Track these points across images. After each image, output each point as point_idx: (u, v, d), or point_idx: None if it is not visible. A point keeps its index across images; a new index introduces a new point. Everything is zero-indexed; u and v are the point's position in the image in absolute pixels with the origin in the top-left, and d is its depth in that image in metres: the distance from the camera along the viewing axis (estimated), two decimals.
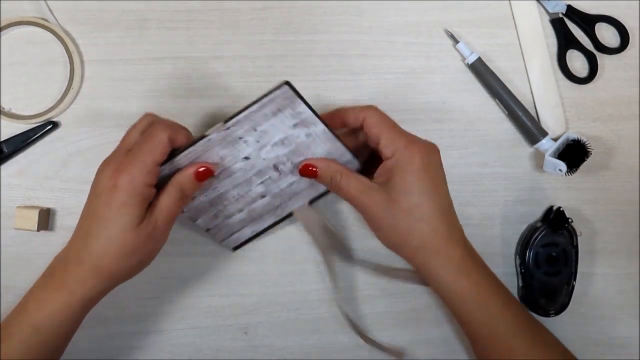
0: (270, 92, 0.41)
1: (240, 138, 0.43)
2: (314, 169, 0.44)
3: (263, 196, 0.46)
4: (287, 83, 0.40)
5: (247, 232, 0.48)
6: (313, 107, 0.42)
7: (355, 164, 0.46)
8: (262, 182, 0.46)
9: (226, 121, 0.41)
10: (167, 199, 0.40)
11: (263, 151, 0.44)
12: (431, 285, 0.45)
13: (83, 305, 0.40)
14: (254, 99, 0.41)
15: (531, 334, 0.44)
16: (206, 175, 0.42)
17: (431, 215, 0.42)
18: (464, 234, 0.45)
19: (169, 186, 0.41)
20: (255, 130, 0.42)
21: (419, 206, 0.42)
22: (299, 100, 0.41)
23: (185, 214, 0.45)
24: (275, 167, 0.45)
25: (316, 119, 0.43)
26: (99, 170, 0.40)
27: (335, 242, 0.49)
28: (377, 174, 0.44)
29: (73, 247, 0.40)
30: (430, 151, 0.43)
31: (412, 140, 0.43)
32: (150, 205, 0.40)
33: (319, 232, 0.48)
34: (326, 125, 0.43)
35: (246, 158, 0.44)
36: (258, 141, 0.43)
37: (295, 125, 0.43)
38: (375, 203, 0.43)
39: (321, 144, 0.44)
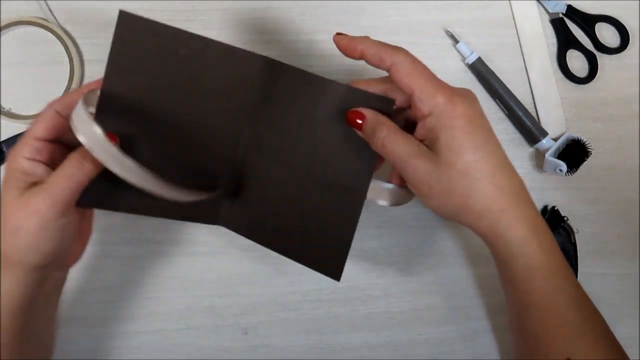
0: None
1: None
2: (360, 119, 0.38)
3: None
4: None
5: None
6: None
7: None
8: None
9: None
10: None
11: None
12: (495, 250, 0.40)
13: (17, 307, 0.37)
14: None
15: (588, 311, 0.40)
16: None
17: (492, 173, 0.37)
18: (528, 192, 0.40)
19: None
20: None
21: (476, 164, 0.36)
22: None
23: None
24: None
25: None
26: None
27: None
28: (417, 135, 0.39)
29: None
30: (471, 100, 0.38)
31: (451, 92, 0.37)
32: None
33: None
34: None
35: None
36: None
37: None
38: (426, 167, 0.37)
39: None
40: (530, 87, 0.53)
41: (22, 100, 0.50)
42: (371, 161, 0.40)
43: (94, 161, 0.36)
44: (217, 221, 0.44)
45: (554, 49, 0.54)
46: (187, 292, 0.50)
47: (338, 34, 0.39)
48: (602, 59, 0.53)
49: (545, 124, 0.52)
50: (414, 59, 0.37)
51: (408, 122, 0.41)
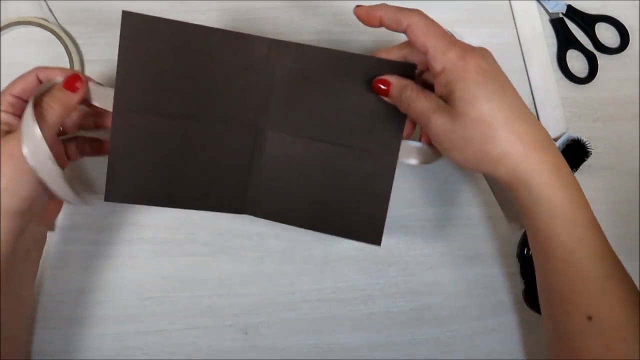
0: None
1: None
2: (386, 85, 0.41)
3: None
4: None
5: None
6: None
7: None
8: None
9: None
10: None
11: None
12: (518, 197, 0.40)
13: None
14: None
15: (613, 269, 0.39)
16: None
17: (507, 120, 0.38)
18: (553, 142, 0.39)
19: None
20: None
21: (490, 112, 0.37)
22: None
23: None
24: None
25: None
26: None
27: None
28: (437, 93, 0.40)
29: None
30: (485, 55, 0.39)
31: (464, 48, 0.38)
32: None
33: None
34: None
35: None
36: None
37: None
38: (444, 120, 0.38)
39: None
40: (530, 87, 0.53)
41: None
42: (400, 124, 0.43)
43: (61, 110, 0.40)
44: (245, 210, 0.45)
45: (554, 49, 0.54)
46: (187, 292, 0.50)
47: (357, 6, 0.41)
48: (602, 59, 0.53)
49: (545, 124, 0.52)
50: (429, 20, 0.39)
51: (426, 84, 0.42)
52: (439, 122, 0.39)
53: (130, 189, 0.42)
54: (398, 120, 0.42)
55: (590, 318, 0.38)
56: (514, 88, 0.39)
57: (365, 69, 0.42)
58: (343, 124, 0.43)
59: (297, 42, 0.42)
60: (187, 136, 0.43)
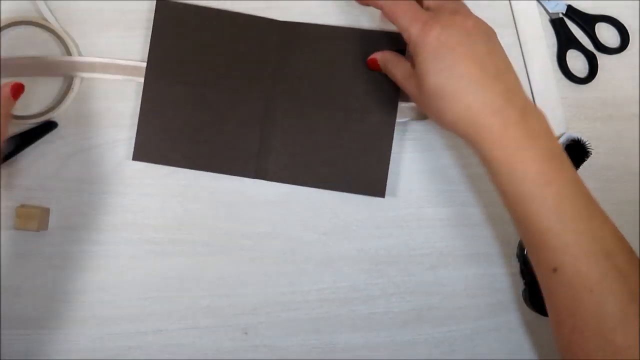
0: None
1: None
2: (374, 60, 0.48)
3: None
4: None
5: None
6: None
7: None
8: None
9: None
10: None
11: None
12: (478, 151, 0.43)
13: None
14: None
15: (573, 214, 0.40)
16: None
17: (454, 91, 0.41)
18: (512, 103, 0.41)
19: None
20: None
21: (438, 85, 0.41)
22: None
23: None
24: None
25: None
26: None
27: None
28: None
29: None
30: (446, 24, 0.41)
31: (424, 21, 0.42)
32: None
33: None
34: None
35: None
36: None
37: None
38: (411, 88, 0.44)
39: None
40: (530, 87, 0.53)
41: (22, 100, 0.50)
42: (396, 87, 0.48)
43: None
44: (258, 174, 0.50)
45: (554, 49, 0.54)
46: (187, 292, 0.50)
47: None
48: (602, 59, 0.53)
49: None
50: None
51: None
52: (408, 89, 0.45)
53: (154, 151, 0.49)
54: (393, 85, 0.48)
55: (555, 270, 0.40)
56: (471, 60, 0.41)
57: (364, 41, 0.50)
58: (345, 90, 0.50)
59: (305, 22, 0.50)
60: (204, 103, 0.49)
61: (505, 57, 0.43)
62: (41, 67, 0.49)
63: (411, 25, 0.42)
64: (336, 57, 0.50)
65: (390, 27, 0.49)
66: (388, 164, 0.49)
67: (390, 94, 0.50)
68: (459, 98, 0.41)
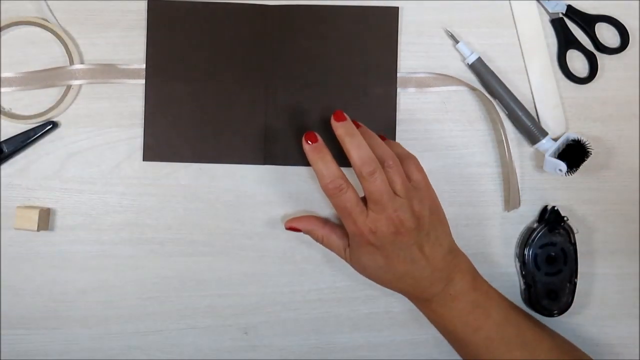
0: None
1: None
2: (297, 229, 0.48)
3: None
4: None
5: None
6: None
7: None
8: None
9: None
10: None
11: None
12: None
13: None
14: None
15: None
16: None
17: (384, 282, 0.46)
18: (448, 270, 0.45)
19: None
20: None
21: (376, 277, 0.46)
22: None
23: None
24: None
25: None
26: None
27: None
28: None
29: None
30: (378, 231, 0.43)
31: (362, 232, 0.43)
32: None
33: None
34: None
35: None
36: None
37: None
38: (350, 261, 0.47)
39: None
40: (530, 87, 0.53)
41: (22, 100, 0.50)
42: (394, 59, 0.51)
43: None
44: (265, 160, 0.50)
45: (554, 49, 0.54)
46: (187, 292, 0.50)
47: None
48: (602, 59, 0.53)
49: (545, 124, 0.52)
50: (337, 204, 0.43)
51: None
52: (347, 260, 0.48)
53: (163, 149, 0.50)
54: (390, 57, 0.50)
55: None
56: (404, 253, 0.44)
57: (357, 17, 0.51)
58: (344, 67, 0.51)
59: (296, 4, 0.50)
60: (207, 96, 0.50)
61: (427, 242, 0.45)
62: (44, 79, 0.50)
63: (349, 228, 0.44)
64: (331, 35, 0.51)
65: (380, 3, 0.51)
66: (394, 134, 0.51)
67: (388, 65, 0.51)
68: (394, 286, 0.47)
